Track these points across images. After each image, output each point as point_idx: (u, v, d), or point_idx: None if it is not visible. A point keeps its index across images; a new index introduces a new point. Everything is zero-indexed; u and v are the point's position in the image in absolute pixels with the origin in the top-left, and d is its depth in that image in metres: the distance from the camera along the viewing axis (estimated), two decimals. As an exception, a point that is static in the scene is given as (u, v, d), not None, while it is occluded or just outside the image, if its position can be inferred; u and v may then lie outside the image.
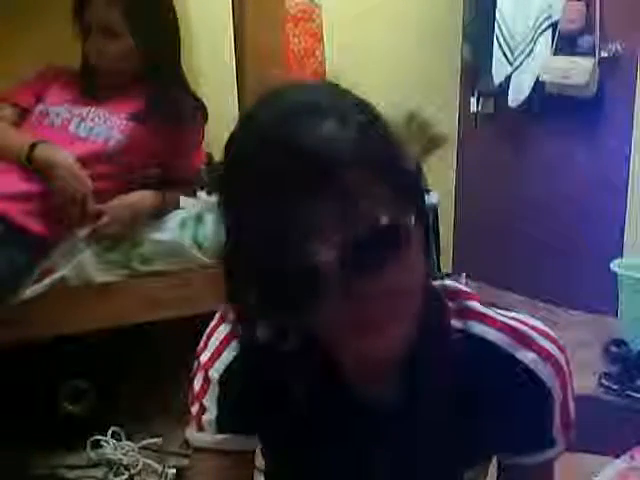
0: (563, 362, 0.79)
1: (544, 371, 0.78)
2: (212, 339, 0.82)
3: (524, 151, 3.55)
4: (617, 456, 1.90)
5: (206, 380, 0.80)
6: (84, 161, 1.95)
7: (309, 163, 0.60)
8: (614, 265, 2.98)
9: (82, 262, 1.99)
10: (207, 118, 2.23)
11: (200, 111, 2.20)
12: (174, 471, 2.00)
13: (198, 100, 2.20)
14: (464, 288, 0.82)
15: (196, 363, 0.82)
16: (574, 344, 3.00)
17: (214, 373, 0.80)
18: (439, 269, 3.30)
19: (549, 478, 0.87)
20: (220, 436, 0.80)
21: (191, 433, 0.82)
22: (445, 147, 3.07)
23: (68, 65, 2.16)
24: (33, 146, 1.89)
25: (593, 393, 2.56)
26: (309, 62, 2.88)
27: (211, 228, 2.15)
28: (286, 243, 0.61)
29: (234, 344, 0.80)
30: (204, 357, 0.81)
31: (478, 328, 0.79)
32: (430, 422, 0.77)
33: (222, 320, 0.82)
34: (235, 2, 2.05)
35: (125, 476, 2.03)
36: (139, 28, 2.03)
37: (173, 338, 2.17)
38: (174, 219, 2.14)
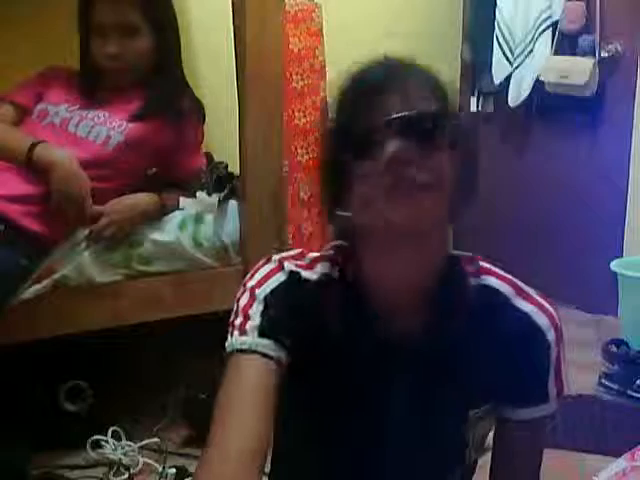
0: (557, 319, 0.92)
1: (541, 320, 0.90)
2: (259, 271, 0.93)
3: (524, 151, 3.55)
4: (617, 456, 1.90)
5: (252, 297, 0.90)
6: (84, 161, 1.95)
7: (394, 84, 0.86)
8: (614, 265, 2.98)
9: (82, 262, 1.99)
10: (205, 118, 2.23)
11: (199, 111, 2.20)
12: (174, 471, 2.00)
13: (197, 100, 2.21)
14: (474, 255, 0.96)
15: (242, 288, 0.92)
16: (574, 344, 3.00)
17: (261, 293, 0.90)
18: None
19: (539, 441, 0.95)
20: (260, 340, 0.87)
21: (233, 339, 0.89)
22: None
23: (68, 66, 2.16)
24: (32, 146, 1.89)
25: (593, 393, 2.56)
26: (309, 62, 2.88)
27: (211, 228, 2.15)
28: (368, 113, 0.83)
29: (280, 274, 0.92)
30: (251, 282, 0.92)
31: (486, 279, 0.93)
32: (443, 359, 0.88)
33: (269, 261, 0.94)
34: (235, 2, 2.05)
35: (125, 476, 2.03)
36: (156, 26, 2.03)
37: (173, 338, 2.17)
38: (174, 219, 2.14)
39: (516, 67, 3.33)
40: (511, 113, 3.44)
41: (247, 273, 0.94)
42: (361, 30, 3.23)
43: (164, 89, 2.09)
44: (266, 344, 0.87)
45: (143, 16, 2.01)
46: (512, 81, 3.35)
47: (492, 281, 0.93)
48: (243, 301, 0.91)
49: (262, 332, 0.88)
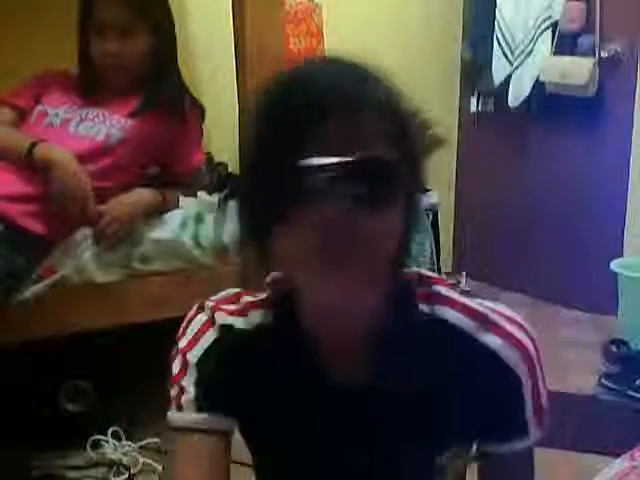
0: (530, 347, 0.80)
1: (509, 355, 0.78)
2: (190, 326, 0.85)
3: (524, 151, 3.55)
4: (617, 456, 1.90)
5: (184, 363, 0.84)
6: (84, 159, 1.96)
7: (332, 98, 0.68)
8: (614, 265, 2.98)
9: (82, 262, 1.99)
10: (204, 117, 2.23)
11: (198, 109, 2.20)
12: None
13: (196, 99, 2.21)
14: (431, 274, 0.84)
15: (175, 348, 0.86)
16: (574, 344, 3.00)
17: (192, 357, 0.83)
18: (439, 269, 3.30)
19: (526, 470, 0.86)
20: (199, 415, 0.82)
21: (171, 414, 0.85)
22: (445, 147, 3.07)
23: (66, 69, 2.15)
24: (32, 146, 1.89)
25: (593, 393, 2.56)
26: (309, 62, 2.88)
27: (211, 228, 2.15)
28: (293, 151, 0.67)
29: (211, 331, 0.84)
30: (182, 343, 0.85)
31: (444, 312, 0.80)
32: (398, 404, 0.79)
33: (200, 309, 0.86)
34: (235, 2, 2.05)
35: (125, 476, 2.03)
36: (154, 26, 2.04)
37: (173, 338, 2.17)
38: (174, 218, 2.14)
39: (516, 67, 3.33)
40: (511, 113, 3.43)
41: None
42: (361, 30, 3.23)
43: (162, 87, 2.09)
44: (205, 419, 0.82)
45: (141, 16, 2.02)
46: (512, 81, 3.35)
47: (450, 314, 0.79)
48: (176, 368, 0.85)
49: (199, 407, 0.82)
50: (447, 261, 3.77)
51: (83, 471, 2.04)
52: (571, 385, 2.58)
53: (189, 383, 0.83)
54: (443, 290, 0.82)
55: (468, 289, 2.83)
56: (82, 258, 1.99)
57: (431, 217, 3.25)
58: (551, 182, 3.43)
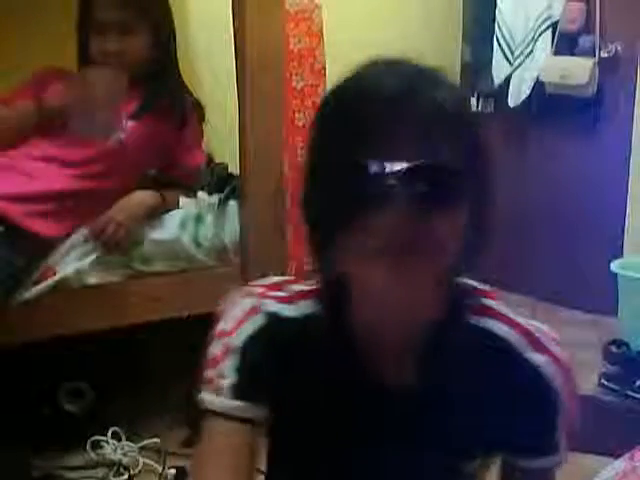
0: (571, 371, 0.82)
1: (554, 375, 0.80)
2: (235, 310, 0.83)
3: (524, 151, 3.55)
4: (617, 456, 1.90)
5: (226, 347, 0.82)
6: (85, 159, 1.96)
7: (402, 103, 0.69)
8: (614, 265, 2.97)
9: (82, 263, 1.99)
10: (204, 117, 2.23)
11: (198, 109, 2.20)
12: (174, 471, 2.00)
13: (196, 99, 2.21)
14: (483, 286, 0.85)
15: (216, 330, 0.84)
16: (574, 344, 3.00)
17: (236, 341, 0.81)
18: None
19: None
20: (235, 402, 0.81)
21: (208, 396, 0.83)
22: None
23: (63, 67, 2.15)
24: (37, 100, 1.93)
25: (593, 393, 2.55)
26: (309, 62, 2.88)
27: (211, 228, 2.15)
28: (362, 159, 0.68)
29: (259, 317, 0.82)
30: (225, 325, 0.83)
31: (493, 325, 0.81)
32: (436, 409, 0.79)
33: (246, 294, 0.84)
34: (235, 2, 2.05)
35: (125, 476, 2.03)
36: (153, 25, 2.03)
37: (173, 338, 2.17)
38: (174, 219, 2.14)
39: (516, 67, 3.33)
40: (511, 113, 3.44)
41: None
42: (361, 30, 3.23)
43: (162, 88, 2.09)
44: (243, 407, 0.80)
45: (140, 15, 2.01)
46: (512, 81, 3.35)
47: (497, 326, 0.81)
48: (216, 349, 0.82)
49: (238, 393, 0.81)
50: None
51: (83, 471, 2.04)
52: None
53: (230, 368, 0.81)
54: (493, 304, 0.83)
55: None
56: (82, 259, 1.99)
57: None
58: (551, 182, 3.43)
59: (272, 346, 0.81)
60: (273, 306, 0.83)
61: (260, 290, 0.84)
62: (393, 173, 0.67)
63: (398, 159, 0.67)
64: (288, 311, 0.82)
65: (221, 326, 0.83)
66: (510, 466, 0.86)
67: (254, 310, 0.82)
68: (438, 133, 0.69)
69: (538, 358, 0.80)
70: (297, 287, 0.85)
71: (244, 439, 0.81)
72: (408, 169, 0.67)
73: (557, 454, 0.83)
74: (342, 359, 0.80)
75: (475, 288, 0.84)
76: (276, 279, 0.88)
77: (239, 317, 0.82)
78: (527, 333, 0.81)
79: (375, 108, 0.68)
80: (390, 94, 0.69)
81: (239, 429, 0.81)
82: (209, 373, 0.83)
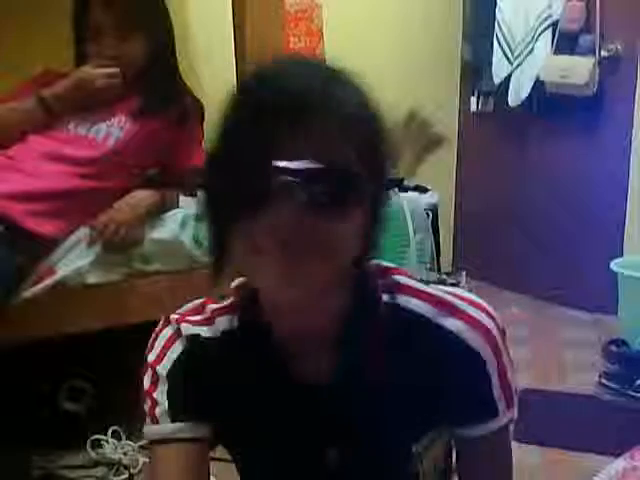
0: (493, 328, 0.80)
1: (472, 337, 0.79)
2: (158, 340, 0.87)
3: (524, 150, 3.55)
4: (617, 456, 1.90)
5: (155, 377, 0.85)
6: (84, 159, 1.96)
7: (294, 101, 0.68)
8: (614, 265, 2.98)
9: (82, 262, 1.99)
10: (204, 117, 2.23)
11: (198, 109, 2.20)
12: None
13: (195, 99, 2.21)
14: (390, 265, 0.85)
15: (145, 364, 0.86)
16: (574, 344, 3.00)
17: (161, 370, 0.84)
18: (439, 269, 3.29)
19: (501, 451, 0.86)
20: (174, 425, 0.83)
21: (147, 428, 0.85)
22: (445, 146, 3.07)
23: (64, 69, 2.15)
24: (38, 96, 1.96)
25: (593, 393, 2.56)
26: (309, 62, 2.88)
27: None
28: (257, 156, 0.68)
29: (178, 343, 0.85)
30: (151, 357, 0.86)
31: (405, 300, 0.81)
32: (367, 398, 0.80)
33: (166, 323, 0.88)
34: (235, 2, 2.05)
35: (125, 476, 2.03)
36: (149, 28, 2.03)
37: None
38: (174, 218, 2.14)
39: (516, 67, 3.33)
40: (511, 113, 3.44)
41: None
42: (361, 30, 3.23)
43: (161, 88, 2.09)
44: (180, 428, 0.83)
45: (137, 19, 2.01)
46: (512, 81, 3.35)
47: (409, 301, 0.81)
48: (147, 381, 0.85)
49: (173, 417, 0.83)
50: (447, 261, 3.77)
51: (83, 471, 2.04)
52: (571, 385, 2.58)
53: (161, 395, 0.84)
54: (402, 279, 0.83)
55: (468, 289, 2.82)
56: (82, 258, 1.99)
57: (431, 217, 3.24)
58: (551, 181, 3.43)
59: (195, 367, 0.84)
60: (192, 329, 0.85)
61: (179, 317, 0.87)
62: (285, 171, 0.67)
63: (292, 158, 0.67)
64: (206, 332, 0.85)
65: (149, 358, 0.86)
66: (456, 438, 0.86)
67: (174, 337, 0.86)
68: (334, 132, 0.69)
69: (453, 323, 0.79)
70: (213, 306, 0.87)
71: (190, 458, 0.83)
72: (303, 169, 0.67)
73: (496, 416, 0.82)
74: (263, 366, 0.82)
75: (383, 267, 0.84)
76: (196, 302, 0.89)
77: (162, 346, 0.86)
78: (439, 302, 0.80)
79: (280, 106, 0.68)
80: (289, 92, 0.69)
81: (183, 450, 0.83)
82: (145, 406, 0.85)
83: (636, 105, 3.12)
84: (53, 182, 1.93)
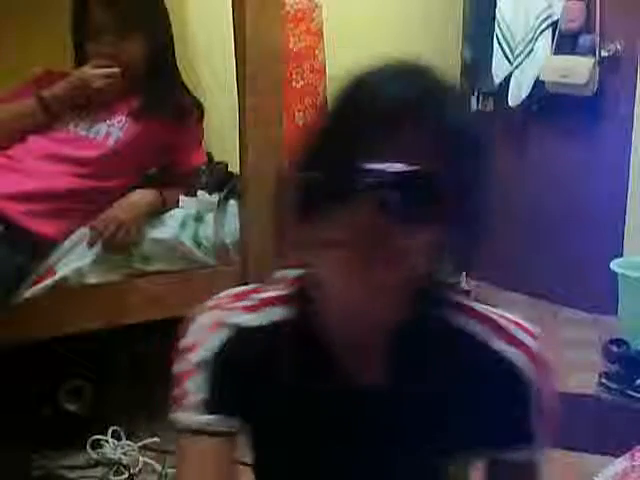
0: (542, 356, 0.81)
1: (521, 363, 0.79)
2: (197, 325, 0.83)
3: (524, 150, 3.55)
4: (617, 456, 1.90)
5: (191, 364, 0.81)
6: (85, 158, 1.96)
7: (390, 109, 0.70)
8: (614, 265, 2.98)
9: (82, 262, 1.99)
10: (204, 116, 2.23)
11: (198, 109, 2.20)
12: (174, 471, 2.00)
13: (195, 98, 2.21)
14: (444, 281, 0.85)
15: (179, 347, 0.83)
16: (574, 343, 3.00)
17: (200, 356, 0.81)
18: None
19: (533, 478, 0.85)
20: (208, 417, 0.80)
21: (178, 415, 0.82)
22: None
23: (64, 69, 2.15)
24: (39, 97, 1.97)
25: (593, 393, 2.56)
26: (309, 62, 2.88)
27: (211, 228, 2.15)
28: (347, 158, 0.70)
29: (222, 330, 0.81)
30: (188, 342, 0.83)
31: (458, 319, 0.81)
32: (409, 407, 0.79)
33: (207, 308, 0.84)
34: (235, 2, 2.05)
35: (125, 476, 2.03)
36: (149, 27, 2.04)
37: (173, 338, 2.17)
38: (174, 218, 2.14)
39: (516, 66, 3.33)
40: (511, 113, 3.43)
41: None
42: (361, 30, 3.23)
43: (161, 88, 2.09)
44: (214, 421, 0.80)
45: (137, 17, 2.01)
46: (512, 80, 3.35)
47: (462, 320, 0.81)
48: (181, 367, 0.82)
49: (208, 408, 0.80)
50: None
51: (83, 471, 2.05)
52: (571, 385, 2.58)
53: (198, 383, 0.81)
54: (457, 298, 0.83)
55: (468, 289, 2.82)
56: (82, 258, 1.99)
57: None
58: (551, 181, 3.43)
59: (238, 357, 0.81)
60: (238, 317, 0.82)
61: (223, 302, 0.84)
62: (376, 171, 0.68)
63: (385, 162, 0.68)
64: (254, 320, 0.82)
65: (184, 343, 0.83)
66: (491, 462, 0.85)
67: (218, 324, 0.82)
68: (429, 145, 0.70)
69: (505, 348, 0.79)
70: (263, 295, 0.84)
71: (221, 452, 0.81)
72: (391, 172, 0.68)
73: (533, 446, 0.82)
74: (313, 362, 0.80)
75: (438, 283, 0.83)
76: (241, 289, 0.87)
77: (202, 332, 0.82)
78: (493, 324, 0.81)
79: (376, 113, 0.70)
80: (393, 100, 0.71)
81: (214, 444, 0.81)
82: (177, 392, 0.83)
83: (636, 105, 3.12)
84: (53, 182, 1.93)
